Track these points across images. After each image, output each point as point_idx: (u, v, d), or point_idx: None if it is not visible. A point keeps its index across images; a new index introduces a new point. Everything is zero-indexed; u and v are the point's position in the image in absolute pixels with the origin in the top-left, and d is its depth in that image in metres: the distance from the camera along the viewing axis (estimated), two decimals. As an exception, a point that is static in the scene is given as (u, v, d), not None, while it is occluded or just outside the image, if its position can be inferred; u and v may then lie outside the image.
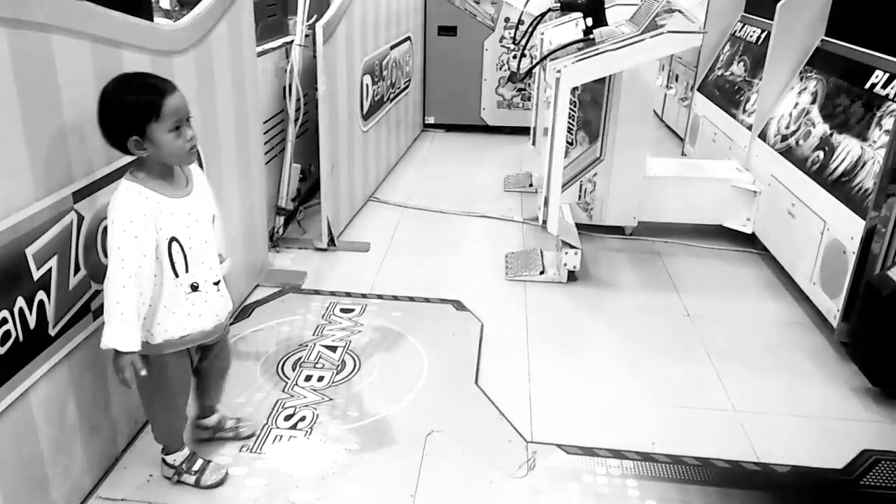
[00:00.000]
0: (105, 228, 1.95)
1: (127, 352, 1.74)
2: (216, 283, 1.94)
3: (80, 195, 1.84)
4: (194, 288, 1.87)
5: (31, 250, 1.67)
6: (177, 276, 1.83)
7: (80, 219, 1.86)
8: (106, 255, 1.97)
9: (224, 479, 2.10)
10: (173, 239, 1.80)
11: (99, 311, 1.96)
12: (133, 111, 1.70)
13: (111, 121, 1.73)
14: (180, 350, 1.92)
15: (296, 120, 3.77)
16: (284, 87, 3.77)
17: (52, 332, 1.78)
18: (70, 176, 1.80)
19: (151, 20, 2.35)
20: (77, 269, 1.86)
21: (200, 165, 2.37)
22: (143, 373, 1.78)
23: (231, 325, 2.95)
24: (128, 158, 2.03)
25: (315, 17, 3.59)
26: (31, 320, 1.69)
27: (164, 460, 2.09)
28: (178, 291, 1.85)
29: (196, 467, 2.09)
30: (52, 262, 1.75)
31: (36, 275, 1.69)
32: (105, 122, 1.74)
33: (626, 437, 2.36)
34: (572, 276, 3.47)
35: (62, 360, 1.82)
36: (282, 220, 3.85)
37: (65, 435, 1.88)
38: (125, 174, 1.79)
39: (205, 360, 2.07)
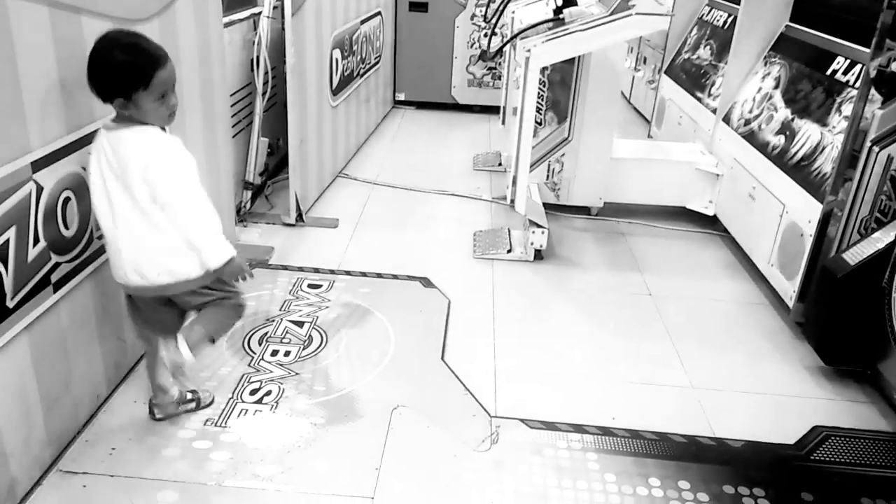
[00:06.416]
0: (65, 200, 1.92)
1: (235, 256, 1.90)
2: None
3: (39, 165, 1.80)
4: None
5: (-12, 221, 1.63)
6: None
7: (40, 189, 1.82)
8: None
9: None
10: None
11: (60, 284, 1.93)
12: (122, 77, 1.75)
13: (99, 79, 1.78)
14: None
15: (263, 93, 3.72)
16: (252, 60, 3.71)
17: (10, 304, 1.74)
18: (28, 145, 1.76)
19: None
20: (36, 241, 1.82)
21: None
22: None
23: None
24: (90, 128, 2.00)
25: (283, -12, 3.53)
26: (-12, 292, 1.66)
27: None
28: None
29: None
30: (10, 234, 1.72)
31: (-7, 246, 1.66)
32: (94, 78, 1.78)
33: (587, 412, 2.41)
34: (539, 255, 3.50)
35: (21, 332, 1.79)
36: (249, 194, 3.81)
37: (24, 407, 1.86)
38: (132, 123, 1.81)
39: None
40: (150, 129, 1.82)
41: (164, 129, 1.88)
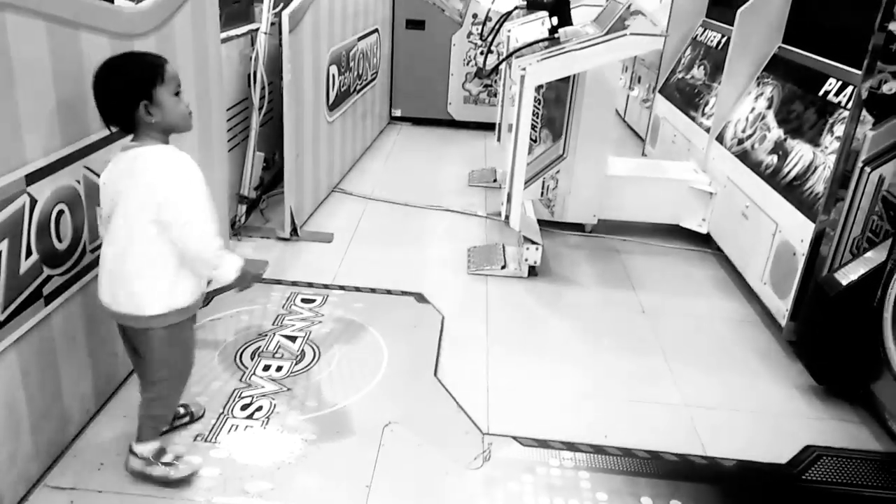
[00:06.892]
0: (58, 213, 1.92)
1: (244, 266, 1.92)
2: None
3: (33, 178, 1.80)
4: None
5: (-20, 233, 1.63)
6: None
7: (33, 202, 1.82)
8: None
9: (193, 475, 2.05)
10: None
11: (51, 297, 1.93)
12: (140, 76, 1.77)
13: (119, 93, 1.77)
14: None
15: (260, 108, 3.73)
16: (249, 75, 3.73)
17: (1, 316, 1.74)
18: (23, 158, 1.76)
19: (112, 1, 2.30)
20: (29, 254, 1.82)
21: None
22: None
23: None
24: (85, 141, 2.00)
25: (282, 4, 3.56)
26: (-21, 304, 1.65)
27: (134, 452, 2.00)
28: None
29: (166, 459, 2.03)
30: (2, 246, 1.71)
31: (-15, 258, 1.66)
32: (112, 97, 1.78)
33: (579, 430, 2.40)
34: (533, 272, 3.51)
35: (11, 345, 1.78)
36: (244, 208, 3.81)
37: (11, 421, 1.84)
38: (145, 143, 1.80)
39: None
40: (166, 148, 1.82)
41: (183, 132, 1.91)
